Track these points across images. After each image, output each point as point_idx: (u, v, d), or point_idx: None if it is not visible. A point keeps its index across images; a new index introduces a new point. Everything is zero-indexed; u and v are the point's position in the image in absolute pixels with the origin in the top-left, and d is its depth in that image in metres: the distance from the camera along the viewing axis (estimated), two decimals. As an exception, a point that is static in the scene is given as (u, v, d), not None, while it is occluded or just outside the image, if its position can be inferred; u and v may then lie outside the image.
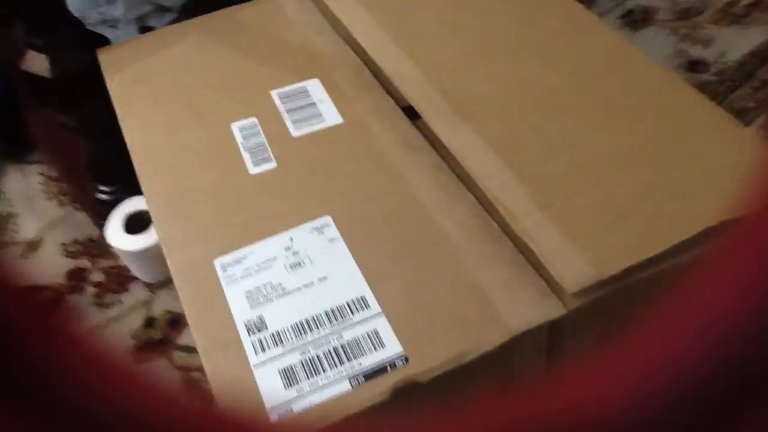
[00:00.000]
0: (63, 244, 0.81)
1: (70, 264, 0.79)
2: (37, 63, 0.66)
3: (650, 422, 0.14)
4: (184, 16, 1.06)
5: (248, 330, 0.39)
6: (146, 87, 0.55)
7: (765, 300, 0.13)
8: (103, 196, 0.78)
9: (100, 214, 0.77)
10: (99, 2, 1.07)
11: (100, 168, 0.79)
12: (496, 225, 0.43)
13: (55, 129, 0.77)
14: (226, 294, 0.41)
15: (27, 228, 0.83)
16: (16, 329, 0.13)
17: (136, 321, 0.73)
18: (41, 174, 0.89)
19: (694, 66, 1.01)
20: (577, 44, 0.54)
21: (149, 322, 0.73)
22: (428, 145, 0.49)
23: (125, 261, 0.75)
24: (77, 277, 0.77)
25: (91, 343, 0.15)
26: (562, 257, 0.40)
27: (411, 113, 0.51)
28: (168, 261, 0.44)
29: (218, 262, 0.43)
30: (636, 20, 1.11)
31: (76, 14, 1.04)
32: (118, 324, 0.73)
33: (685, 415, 0.14)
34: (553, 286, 0.40)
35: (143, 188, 0.48)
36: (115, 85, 0.56)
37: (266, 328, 0.39)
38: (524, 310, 0.39)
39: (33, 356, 0.13)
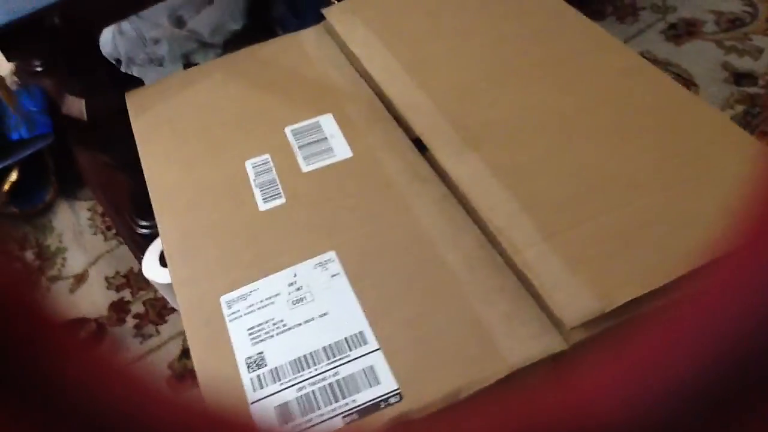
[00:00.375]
0: (107, 277, 0.84)
1: (114, 296, 0.81)
2: (75, 106, 0.69)
3: (651, 425, 0.14)
4: (228, 52, 1.10)
5: (248, 366, 0.40)
6: (167, 127, 0.57)
7: (765, 304, 0.13)
8: (143, 230, 0.81)
9: (140, 247, 0.80)
10: (146, 43, 1.12)
11: (140, 203, 0.81)
12: (500, 257, 0.43)
13: (99, 166, 0.81)
14: (230, 330, 0.42)
15: (75, 262, 0.87)
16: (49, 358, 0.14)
17: (174, 351, 0.75)
18: (89, 210, 0.93)
19: (741, 79, 0.98)
20: (590, 65, 0.53)
21: (186, 353, 0.75)
22: (436, 177, 0.48)
23: (162, 292, 0.77)
24: (119, 308, 0.80)
25: (139, 378, 0.15)
26: (563, 290, 0.39)
27: (422, 144, 0.51)
28: (177, 298, 0.45)
29: (224, 299, 0.44)
30: (680, 34, 1.08)
31: (124, 55, 1.09)
32: (157, 354, 0.75)
33: (685, 419, 0.14)
34: (554, 319, 0.39)
35: (159, 226, 0.50)
36: (139, 126, 0.58)
37: (266, 364, 0.40)
38: (524, 344, 0.38)
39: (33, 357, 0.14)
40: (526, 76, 0.53)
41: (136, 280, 0.82)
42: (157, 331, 0.77)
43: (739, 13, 1.08)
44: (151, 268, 0.73)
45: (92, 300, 0.82)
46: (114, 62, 1.13)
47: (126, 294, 0.81)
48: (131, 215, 0.83)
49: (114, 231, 0.89)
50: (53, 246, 0.89)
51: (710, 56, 1.02)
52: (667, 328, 0.15)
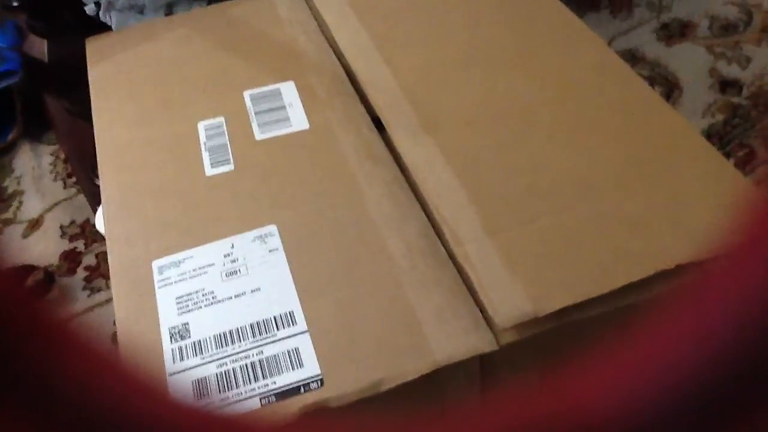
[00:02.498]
0: (62, 225, 0.82)
1: (66, 245, 0.80)
2: (37, 47, 0.66)
3: (651, 425, 0.14)
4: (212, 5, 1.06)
5: (171, 336, 0.39)
6: (124, 78, 0.55)
7: (764, 302, 0.13)
8: (102, 182, 0.79)
9: (98, 199, 0.78)
10: (127, -12, 1.08)
11: (102, 153, 0.79)
12: (442, 249, 0.42)
13: (65, 112, 0.78)
14: (158, 297, 0.41)
15: (31, 206, 0.85)
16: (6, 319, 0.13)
17: (121, 308, 0.74)
18: (52, 155, 0.91)
19: (726, 87, 0.97)
20: (564, 58, 0.52)
21: (134, 311, 0.73)
22: (390, 158, 0.47)
23: (114, 248, 0.75)
24: (71, 258, 0.78)
25: (76, 334, 0.15)
26: (499, 290, 0.38)
27: (381, 123, 0.49)
28: (109, 258, 0.43)
29: (156, 264, 0.42)
30: (671, 34, 1.06)
31: (103, -2, 1.05)
32: (104, 309, 0.74)
33: (685, 418, 0.14)
34: (488, 318, 0.38)
35: (100, 181, 0.48)
36: (95, 74, 0.56)
37: (189, 336, 0.39)
38: (454, 341, 0.37)
39: (22, 349, 0.14)
40: (495, 63, 0.51)
41: (91, 232, 0.81)
42: (107, 286, 0.75)
43: (733, 20, 1.07)
44: (102, 220, 0.71)
45: (44, 247, 0.80)
46: (93, 5, 1.10)
47: (79, 245, 0.80)
48: (92, 166, 0.81)
49: (74, 179, 0.87)
50: (10, 188, 0.87)
51: (699, 60, 1.01)
52: (667, 327, 0.14)
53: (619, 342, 0.15)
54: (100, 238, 0.80)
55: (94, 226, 0.82)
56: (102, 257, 0.78)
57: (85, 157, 0.82)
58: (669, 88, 0.97)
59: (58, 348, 0.14)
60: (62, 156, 0.91)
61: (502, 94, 0.49)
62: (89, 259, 0.78)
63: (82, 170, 0.85)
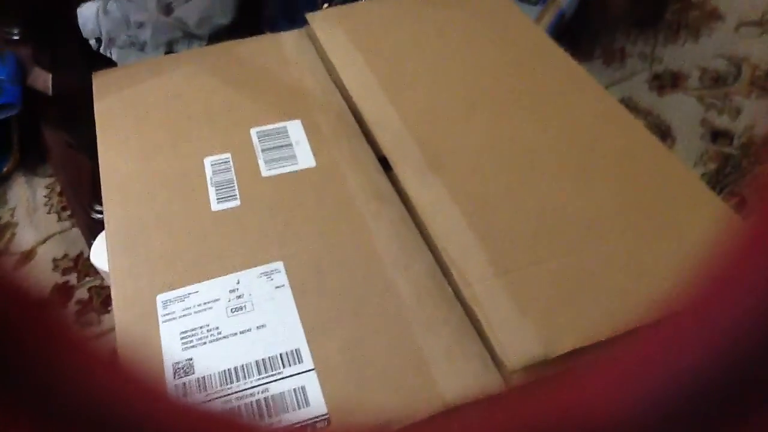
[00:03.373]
0: (55, 258, 0.81)
1: (59, 278, 0.79)
2: (41, 79, 0.67)
3: (652, 425, 0.14)
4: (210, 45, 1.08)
5: (175, 372, 0.38)
6: (131, 113, 0.55)
7: (765, 304, 0.13)
8: (98, 215, 0.79)
9: (93, 232, 0.77)
10: (129, 25, 1.09)
11: (99, 187, 0.79)
12: (449, 288, 0.42)
13: (63, 144, 0.78)
14: (162, 332, 0.40)
15: (24, 238, 0.84)
16: (15, 328, 0.13)
17: (112, 343, 0.73)
18: (47, 187, 0.90)
19: (717, 137, 0.98)
20: (567, 104, 0.53)
21: (125, 347, 0.72)
22: (397, 198, 0.47)
23: (108, 281, 0.75)
24: (63, 292, 0.77)
25: (77, 335, 0.14)
26: (508, 331, 0.38)
27: (388, 163, 0.49)
28: (112, 291, 0.43)
29: (160, 298, 0.42)
30: (663, 85, 1.08)
31: (105, 35, 1.06)
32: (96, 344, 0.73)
33: (686, 419, 0.14)
34: (496, 359, 0.38)
35: (105, 213, 0.48)
36: (101, 108, 0.56)
37: (193, 372, 0.38)
38: (462, 382, 0.37)
39: (30, 355, 0.13)
40: (500, 107, 0.52)
41: (84, 266, 0.80)
42: (99, 321, 0.74)
43: (723, 72, 1.09)
44: (99, 254, 0.71)
45: (36, 280, 0.79)
46: (95, 41, 1.11)
47: (72, 278, 0.79)
48: (89, 198, 0.81)
49: (69, 212, 0.86)
50: (3, 219, 0.86)
51: (690, 110, 1.03)
52: (668, 326, 0.14)
53: (621, 344, 0.15)
54: (93, 272, 0.79)
55: (87, 259, 0.81)
56: (95, 291, 0.77)
57: (82, 190, 0.82)
58: (662, 136, 0.98)
59: (58, 348, 0.14)
60: (57, 189, 0.90)
61: (506, 136, 0.50)
62: (81, 293, 0.77)
63: (77, 203, 0.84)
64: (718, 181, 0.91)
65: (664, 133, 0.99)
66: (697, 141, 0.97)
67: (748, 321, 0.13)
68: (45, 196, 0.89)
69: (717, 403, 0.14)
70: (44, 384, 0.13)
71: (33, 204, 0.88)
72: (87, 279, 0.78)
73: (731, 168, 0.93)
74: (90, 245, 0.78)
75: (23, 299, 0.14)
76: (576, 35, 1.08)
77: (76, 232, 0.84)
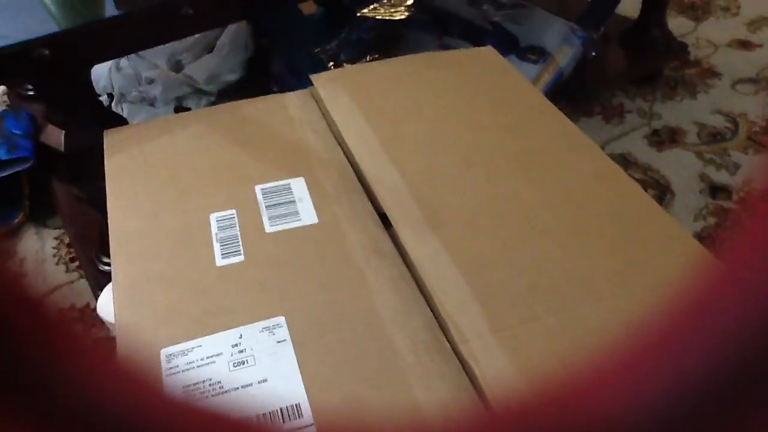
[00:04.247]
0: (61, 309, 0.82)
1: (66, 316, 0.80)
2: (54, 137, 0.69)
3: (654, 423, 0.14)
4: (221, 101, 1.11)
5: (177, 427, 0.39)
6: (139, 170, 0.57)
7: (765, 305, 0.13)
8: (106, 267, 0.80)
9: (100, 284, 0.78)
10: (140, 81, 1.13)
11: (107, 240, 0.81)
12: (447, 344, 0.42)
13: (72, 198, 0.80)
14: (165, 386, 0.41)
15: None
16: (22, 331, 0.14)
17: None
18: (56, 239, 0.92)
19: (716, 192, 1.00)
20: (563, 164, 0.54)
21: (128, 399, 0.73)
22: (396, 254, 0.48)
23: (114, 333, 0.75)
24: (68, 344, 0.78)
25: (76, 336, 0.15)
26: (504, 386, 0.38)
27: (388, 219, 0.51)
28: (117, 345, 0.44)
29: (164, 352, 0.43)
30: (662, 140, 1.10)
31: (117, 91, 1.10)
32: (98, 397, 0.73)
33: (687, 419, 0.14)
34: (492, 413, 0.38)
35: (112, 268, 0.49)
36: (111, 165, 0.58)
37: (195, 426, 0.39)
38: (459, 438, 0.37)
39: (35, 357, 0.14)
40: (497, 166, 0.54)
41: (91, 317, 0.81)
42: (103, 373, 0.75)
43: (720, 128, 1.11)
44: (105, 306, 0.72)
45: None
46: (107, 96, 1.14)
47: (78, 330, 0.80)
48: (96, 251, 0.82)
49: (77, 263, 0.88)
50: (12, 269, 0.87)
51: (689, 166, 1.05)
52: (669, 327, 0.15)
53: (623, 344, 0.15)
54: (99, 323, 0.80)
55: (94, 310, 0.82)
56: (101, 343, 0.78)
57: (90, 242, 0.83)
58: (661, 191, 1.00)
59: (58, 348, 0.14)
60: (66, 240, 0.92)
61: (504, 196, 0.51)
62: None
63: (85, 254, 0.86)
64: (717, 236, 0.92)
65: (663, 187, 1.01)
66: (696, 196, 0.99)
67: (747, 324, 0.14)
68: (54, 248, 0.91)
69: (717, 405, 0.14)
70: (45, 384, 0.14)
71: (42, 255, 0.90)
72: (93, 330, 0.79)
73: (731, 223, 0.94)
74: (97, 297, 0.79)
75: (23, 301, 0.14)
76: (575, 93, 1.11)
77: (83, 283, 0.85)
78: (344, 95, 0.62)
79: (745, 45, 1.34)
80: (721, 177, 1.02)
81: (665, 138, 1.11)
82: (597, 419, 0.15)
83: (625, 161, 1.06)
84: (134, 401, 0.15)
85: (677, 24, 1.36)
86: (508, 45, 1.09)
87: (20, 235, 0.93)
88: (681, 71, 1.26)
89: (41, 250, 0.91)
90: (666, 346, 0.15)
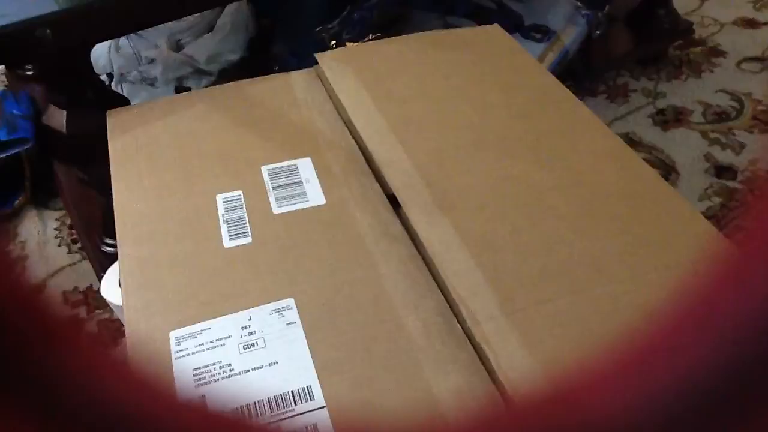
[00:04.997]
0: (65, 291, 0.82)
1: (68, 312, 0.79)
2: (56, 118, 0.68)
3: (653, 423, 0.14)
4: (222, 81, 1.10)
5: (188, 410, 0.39)
6: (144, 151, 0.56)
7: (764, 305, 0.13)
8: (109, 249, 0.79)
9: (103, 265, 0.78)
10: (140, 61, 1.12)
11: (110, 221, 0.80)
12: (459, 326, 0.42)
13: (75, 180, 0.79)
14: (175, 368, 0.41)
15: (34, 272, 0.85)
16: (22, 328, 0.14)
17: (121, 378, 0.73)
18: (57, 220, 0.92)
19: (722, 171, 0.99)
20: (573, 144, 0.54)
21: (134, 381, 0.73)
22: (406, 236, 0.48)
23: (118, 315, 0.75)
24: (72, 327, 0.78)
25: (81, 335, 0.15)
26: (517, 369, 0.38)
27: (396, 202, 0.50)
28: (126, 327, 0.43)
29: (173, 335, 0.42)
30: (667, 120, 1.10)
31: (117, 71, 1.08)
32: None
33: (687, 419, 0.14)
34: (505, 396, 0.38)
35: (119, 251, 0.49)
36: (115, 146, 0.57)
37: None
38: (471, 419, 0.37)
39: (36, 355, 0.14)
40: (506, 148, 0.53)
41: (94, 299, 0.81)
42: (108, 355, 0.75)
43: (725, 108, 1.11)
44: (110, 288, 0.72)
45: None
46: (106, 76, 1.13)
47: (81, 311, 0.79)
48: (99, 232, 0.82)
49: (79, 245, 0.87)
50: (14, 252, 0.87)
51: (694, 145, 1.04)
52: (669, 326, 0.15)
53: (623, 344, 0.15)
54: (103, 305, 0.79)
55: (97, 292, 0.82)
56: (104, 325, 0.78)
57: (93, 224, 0.83)
58: (666, 171, 0.99)
59: (62, 348, 0.14)
60: (68, 222, 0.91)
61: (513, 177, 0.51)
62: (90, 327, 0.78)
63: (88, 237, 0.85)
64: (723, 216, 0.92)
65: (668, 167, 1.00)
66: (701, 175, 0.98)
67: (748, 324, 0.13)
68: (55, 229, 0.91)
69: (717, 405, 0.14)
70: (50, 384, 0.13)
71: (44, 237, 0.89)
72: (97, 312, 0.79)
73: (736, 202, 0.94)
74: (100, 278, 0.79)
75: (30, 301, 0.14)
76: (580, 72, 1.10)
77: (86, 265, 0.85)
78: (350, 75, 0.61)
79: (750, 23, 1.32)
80: (726, 157, 1.01)
81: (670, 118, 1.10)
82: (604, 416, 0.15)
83: (629, 141, 1.05)
84: (141, 402, 0.15)
85: (682, 3, 1.35)
86: (513, 24, 1.08)
87: (21, 217, 0.93)
88: (686, 50, 1.25)
89: (43, 232, 0.90)
90: (672, 344, 0.15)
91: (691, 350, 0.14)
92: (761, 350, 0.13)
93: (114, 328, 0.77)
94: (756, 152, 1.02)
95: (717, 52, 1.25)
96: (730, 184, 0.97)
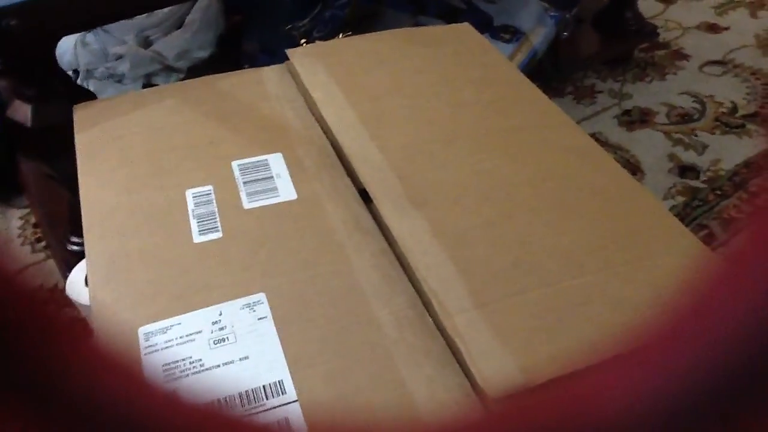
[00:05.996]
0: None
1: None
2: (21, 112, 0.67)
3: (653, 423, 0.14)
4: (191, 78, 1.08)
5: (157, 405, 0.38)
6: (112, 145, 0.56)
7: (764, 306, 0.13)
8: (74, 247, 0.78)
9: (69, 264, 0.76)
10: (107, 57, 1.10)
11: (76, 219, 0.79)
12: (430, 319, 0.42)
13: (40, 176, 0.78)
14: (144, 364, 0.40)
15: (-3, 271, 0.83)
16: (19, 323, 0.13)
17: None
18: (21, 218, 0.90)
19: (685, 171, 1.01)
20: (543, 141, 0.54)
21: (100, 380, 0.71)
22: (378, 230, 0.48)
23: (84, 313, 0.74)
24: (36, 326, 0.76)
25: (79, 335, 0.14)
26: (489, 360, 0.38)
27: (368, 197, 0.50)
28: (94, 323, 0.43)
29: (142, 330, 0.42)
30: (633, 120, 1.12)
31: (83, 67, 1.07)
32: (69, 379, 0.72)
33: (688, 418, 0.14)
34: (477, 389, 0.38)
35: (86, 246, 0.48)
36: (82, 140, 0.56)
37: (176, 404, 0.38)
38: (444, 412, 0.37)
39: (33, 351, 0.13)
40: (477, 143, 0.54)
41: (60, 297, 0.79)
42: (73, 354, 0.73)
43: (688, 109, 1.13)
44: (75, 286, 0.70)
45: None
46: (72, 73, 1.11)
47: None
48: (65, 230, 0.80)
49: (44, 244, 0.85)
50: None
51: (658, 146, 1.06)
52: (669, 326, 0.15)
53: (625, 344, 0.15)
54: (68, 304, 0.78)
55: (63, 291, 0.80)
56: (74, 323, 0.76)
57: (58, 222, 0.81)
58: (632, 171, 1.01)
59: (61, 348, 0.14)
60: (32, 220, 0.90)
61: (484, 172, 0.51)
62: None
63: (53, 235, 0.84)
64: (686, 214, 0.94)
65: (633, 167, 1.02)
66: (665, 175, 1.00)
67: (748, 322, 0.14)
68: (19, 228, 0.89)
69: (717, 403, 0.14)
70: (47, 382, 0.13)
71: (7, 235, 0.87)
72: (63, 311, 0.78)
73: (698, 201, 0.96)
74: (65, 277, 0.77)
75: (27, 300, 0.14)
76: (548, 73, 1.11)
77: (50, 263, 0.83)
78: (322, 70, 0.61)
79: (712, 28, 1.35)
80: (689, 157, 1.04)
81: (635, 118, 1.12)
82: (592, 418, 0.15)
83: (596, 141, 1.07)
84: (138, 401, 0.15)
85: (647, 6, 1.37)
86: (482, 24, 1.08)
87: (-17, 214, 0.91)
88: (651, 53, 1.27)
89: (6, 230, 0.88)
90: (664, 343, 0.15)
91: (691, 350, 0.14)
92: (761, 350, 0.14)
93: (82, 328, 0.76)
94: (718, 152, 1.04)
95: (681, 55, 1.27)
96: (693, 183, 0.99)
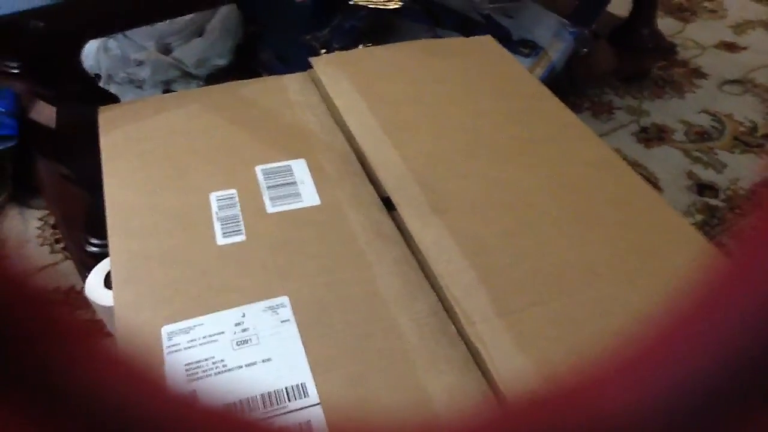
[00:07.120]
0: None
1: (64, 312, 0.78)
2: (45, 113, 0.67)
3: (656, 423, 0.14)
4: (209, 85, 1.09)
5: (179, 404, 0.38)
6: (136, 147, 0.56)
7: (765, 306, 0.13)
8: (93, 248, 0.79)
9: (87, 265, 0.77)
10: (128, 63, 1.11)
11: (94, 220, 0.79)
12: (452, 326, 0.42)
13: (59, 178, 0.79)
14: (166, 363, 0.40)
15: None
16: (21, 321, 0.13)
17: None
18: (40, 219, 0.90)
19: (703, 189, 1.01)
20: (563, 152, 0.54)
21: (114, 382, 0.72)
22: (400, 237, 0.48)
23: (101, 315, 0.74)
24: (53, 326, 0.77)
25: (82, 334, 0.15)
26: (511, 369, 0.38)
27: (390, 204, 0.51)
28: (116, 322, 0.43)
29: (165, 330, 0.42)
30: (650, 138, 1.11)
31: (105, 71, 1.08)
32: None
33: (689, 418, 0.14)
34: (499, 395, 0.38)
35: (110, 246, 0.48)
36: (107, 142, 0.57)
37: (198, 404, 0.38)
38: (465, 419, 0.37)
39: (42, 352, 0.13)
40: (499, 153, 0.54)
41: (75, 299, 0.79)
42: (89, 355, 0.74)
43: (707, 128, 1.13)
44: (94, 288, 0.71)
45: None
46: (93, 76, 1.12)
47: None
48: (84, 232, 0.81)
49: (62, 245, 0.86)
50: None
51: (677, 163, 1.06)
52: (672, 326, 0.15)
53: (627, 344, 0.15)
54: (85, 305, 0.78)
55: (79, 292, 0.80)
56: (90, 326, 0.77)
57: (77, 223, 0.82)
58: (649, 187, 1.01)
59: (63, 347, 0.14)
60: (50, 221, 0.90)
61: (506, 182, 0.51)
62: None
63: (71, 236, 0.84)
64: (705, 233, 0.93)
65: (651, 183, 1.02)
66: (683, 193, 1.00)
67: (752, 323, 0.13)
68: (38, 228, 0.89)
69: (722, 404, 0.14)
70: (56, 384, 0.13)
71: (25, 236, 0.88)
72: (78, 312, 0.78)
73: (717, 220, 0.95)
74: (84, 278, 0.77)
75: (31, 298, 0.14)
76: (565, 88, 1.11)
77: (68, 264, 0.84)
78: (344, 79, 0.62)
79: (730, 47, 1.35)
80: (708, 175, 1.03)
81: (653, 135, 1.12)
82: (604, 416, 0.15)
83: (613, 157, 1.06)
84: (142, 400, 0.15)
85: (665, 24, 1.37)
86: (501, 38, 1.09)
87: (3, 215, 0.91)
88: (669, 71, 1.27)
89: (25, 231, 0.89)
90: (671, 343, 0.15)
91: (693, 349, 0.14)
92: (765, 351, 0.13)
93: (98, 329, 0.76)
94: (737, 171, 1.03)
95: (699, 73, 1.27)
96: (713, 201, 0.98)
